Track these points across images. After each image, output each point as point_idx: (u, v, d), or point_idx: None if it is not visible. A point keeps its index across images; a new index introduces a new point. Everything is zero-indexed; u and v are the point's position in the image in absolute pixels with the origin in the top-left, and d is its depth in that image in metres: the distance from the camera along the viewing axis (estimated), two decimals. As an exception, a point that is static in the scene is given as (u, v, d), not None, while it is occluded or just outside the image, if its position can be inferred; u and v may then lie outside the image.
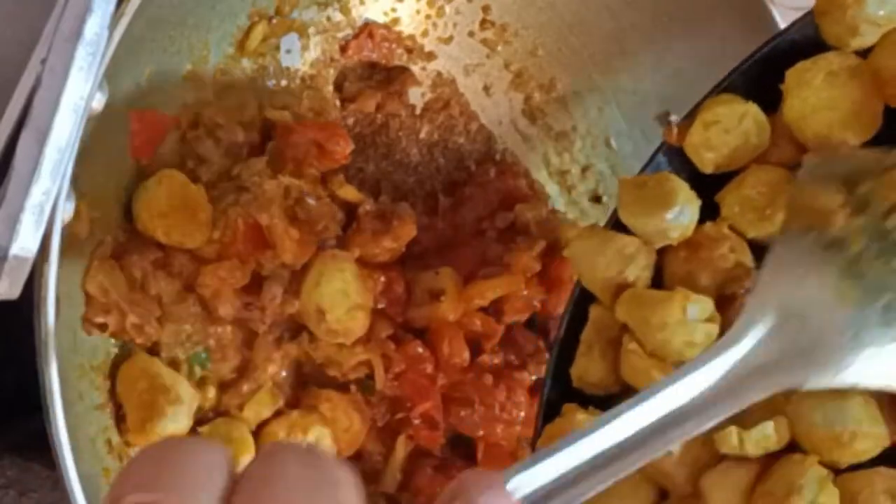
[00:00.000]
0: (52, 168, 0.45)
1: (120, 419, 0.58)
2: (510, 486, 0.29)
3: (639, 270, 0.52)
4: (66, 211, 0.47)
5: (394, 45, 0.71)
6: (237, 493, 0.25)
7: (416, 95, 0.72)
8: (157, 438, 0.57)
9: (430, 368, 0.66)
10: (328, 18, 0.69)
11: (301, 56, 0.68)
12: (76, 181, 0.48)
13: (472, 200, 0.72)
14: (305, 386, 0.65)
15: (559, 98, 0.74)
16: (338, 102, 0.70)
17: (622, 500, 0.50)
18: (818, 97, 0.50)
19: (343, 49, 0.70)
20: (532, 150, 0.75)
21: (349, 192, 0.66)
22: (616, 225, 0.53)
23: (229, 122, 0.63)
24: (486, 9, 0.72)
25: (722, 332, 0.49)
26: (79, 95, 0.46)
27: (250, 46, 0.65)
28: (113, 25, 0.47)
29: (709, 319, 0.50)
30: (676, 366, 0.49)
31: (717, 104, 0.53)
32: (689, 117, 0.53)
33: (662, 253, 0.53)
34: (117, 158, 0.59)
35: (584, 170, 0.75)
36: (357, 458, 0.66)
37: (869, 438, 0.47)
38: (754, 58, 0.54)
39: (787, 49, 0.53)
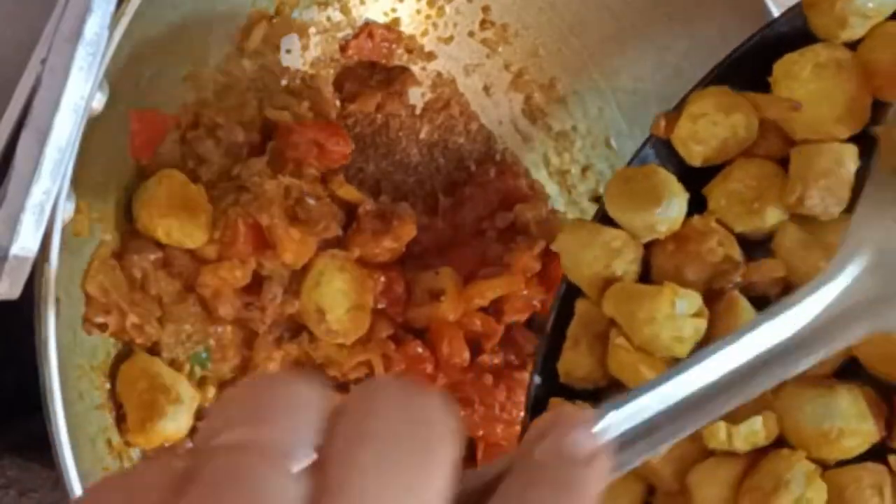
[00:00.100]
0: (53, 168, 0.45)
1: (120, 419, 0.58)
2: (599, 426, 0.29)
3: (626, 264, 0.51)
4: (66, 211, 0.47)
5: (394, 45, 0.71)
6: (331, 434, 0.24)
7: (416, 95, 0.72)
8: (158, 438, 0.57)
9: (430, 368, 0.66)
10: (328, 18, 0.69)
11: (301, 56, 0.68)
12: (76, 181, 0.48)
13: (472, 200, 0.72)
14: (305, 386, 0.65)
15: (559, 98, 0.74)
16: (338, 102, 0.70)
17: (614, 500, 0.50)
18: (806, 89, 0.50)
19: (343, 49, 0.70)
20: (532, 150, 0.75)
21: (349, 192, 0.66)
22: (603, 218, 0.53)
23: (229, 122, 0.63)
24: (486, 9, 0.72)
25: (710, 328, 0.49)
26: (79, 95, 0.46)
27: (250, 46, 0.65)
28: (113, 25, 0.47)
29: (697, 314, 0.49)
30: (664, 361, 0.49)
31: (705, 96, 0.52)
32: (677, 110, 0.53)
33: (649, 247, 0.52)
34: (117, 158, 0.59)
35: (584, 170, 0.75)
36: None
37: (857, 435, 0.47)
38: (741, 49, 0.53)
39: (775, 41, 0.52)
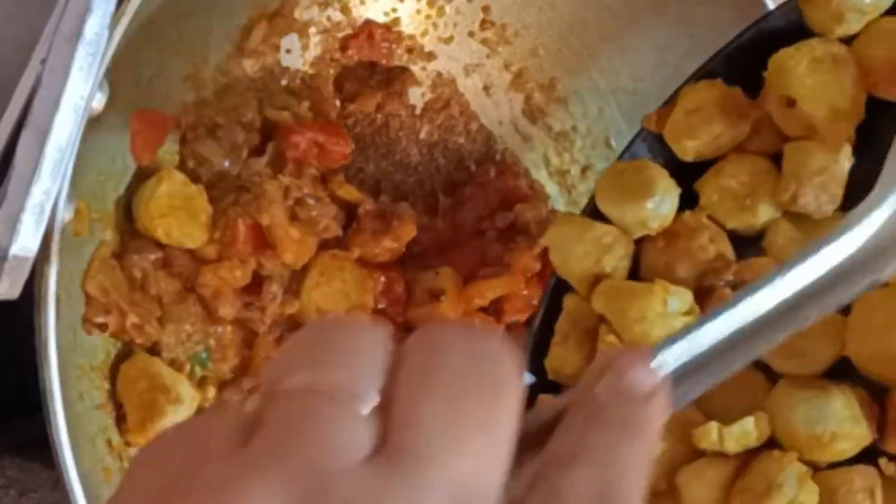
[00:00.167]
0: (53, 168, 0.45)
1: (120, 419, 0.58)
2: (656, 361, 0.29)
3: (616, 261, 0.51)
4: (66, 211, 0.47)
5: (394, 45, 0.71)
6: (396, 376, 0.24)
7: (416, 95, 0.72)
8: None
9: (430, 368, 0.66)
10: (328, 18, 0.69)
11: (301, 56, 0.68)
12: (76, 181, 0.48)
13: (472, 200, 0.72)
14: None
15: (559, 98, 0.74)
16: (338, 102, 0.70)
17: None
18: (801, 85, 0.49)
19: (343, 49, 0.70)
20: (532, 150, 0.75)
21: (349, 192, 0.66)
22: (593, 213, 0.52)
23: (229, 122, 0.63)
24: (486, 9, 0.71)
25: None
26: (79, 95, 0.45)
27: (250, 46, 0.65)
28: (113, 25, 0.47)
29: (688, 312, 0.49)
30: None
31: (698, 90, 0.52)
32: (669, 103, 0.53)
33: (640, 243, 0.52)
34: (117, 158, 0.59)
35: (584, 170, 0.75)
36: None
37: (850, 439, 0.47)
38: (735, 43, 0.53)
39: (769, 35, 0.52)
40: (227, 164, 0.63)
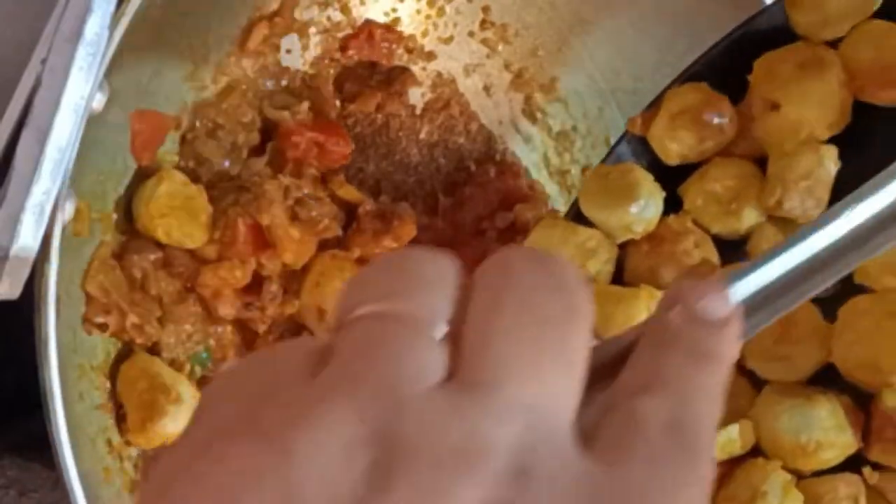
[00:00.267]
0: (53, 168, 0.45)
1: (120, 419, 0.58)
2: (729, 290, 0.28)
3: (600, 265, 0.50)
4: (66, 211, 0.47)
5: (394, 45, 0.71)
6: (467, 304, 0.24)
7: (416, 95, 0.72)
8: (158, 438, 0.57)
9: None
10: (328, 18, 0.69)
11: (301, 56, 0.68)
12: (76, 181, 0.48)
13: (472, 200, 0.72)
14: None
15: (559, 98, 0.74)
16: (338, 102, 0.70)
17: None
18: (787, 88, 0.49)
19: (343, 49, 0.70)
20: (532, 150, 0.75)
21: (349, 192, 0.66)
22: (577, 216, 0.52)
23: (229, 122, 0.63)
24: (486, 9, 0.71)
25: None
26: (79, 95, 0.45)
27: (250, 46, 0.65)
28: (113, 25, 0.47)
29: (673, 317, 0.49)
30: None
31: (682, 93, 0.51)
32: (653, 106, 0.52)
33: (623, 247, 0.51)
34: (117, 158, 0.59)
35: (584, 170, 0.75)
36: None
37: (835, 448, 0.46)
38: (720, 46, 0.52)
39: (754, 38, 0.51)
40: (227, 164, 0.63)
